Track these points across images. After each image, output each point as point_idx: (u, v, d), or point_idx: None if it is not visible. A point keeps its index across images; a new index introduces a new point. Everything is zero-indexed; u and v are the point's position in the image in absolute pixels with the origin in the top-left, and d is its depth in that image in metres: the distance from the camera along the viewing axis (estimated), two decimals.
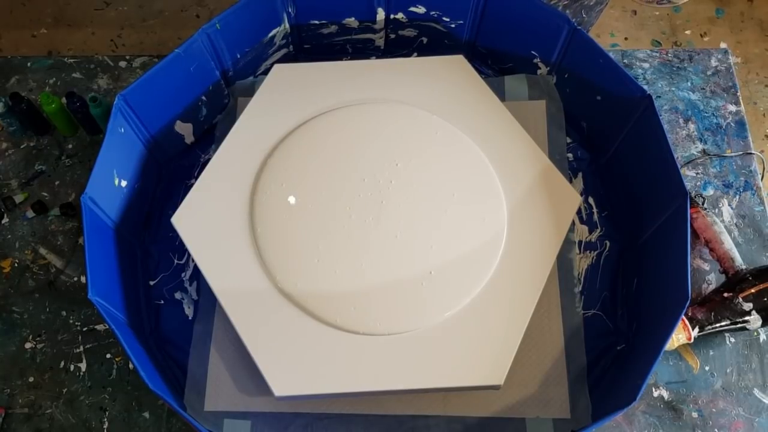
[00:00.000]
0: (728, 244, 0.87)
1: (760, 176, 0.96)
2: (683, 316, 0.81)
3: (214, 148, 0.95)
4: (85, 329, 0.86)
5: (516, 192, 0.85)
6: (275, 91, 0.91)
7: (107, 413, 0.82)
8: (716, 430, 0.81)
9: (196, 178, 0.88)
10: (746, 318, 0.81)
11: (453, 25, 0.97)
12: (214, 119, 0.97)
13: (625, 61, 1.04)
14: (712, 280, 0.89)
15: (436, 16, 0.96)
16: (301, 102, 0.90)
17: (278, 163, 0.86)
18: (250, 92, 0.95)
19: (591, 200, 0.93)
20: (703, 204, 0.92)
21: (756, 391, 0.83)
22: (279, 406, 0.80)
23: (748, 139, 0.98)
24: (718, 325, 0.82)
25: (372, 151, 0.86)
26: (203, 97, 0.92)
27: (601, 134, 0.93)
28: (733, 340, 0.86)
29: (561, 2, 1.09)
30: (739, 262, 0.86)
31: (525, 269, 0.81)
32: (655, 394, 0.83)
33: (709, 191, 0.95)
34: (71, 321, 0.87)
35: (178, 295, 0.87)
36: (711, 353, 0.85)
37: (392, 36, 1.00)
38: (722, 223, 0.91)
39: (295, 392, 0.75)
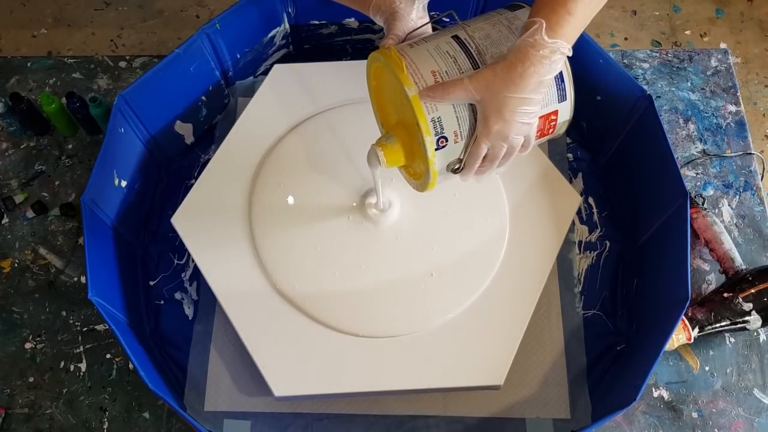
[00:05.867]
0: (728, 244, 0.87)
1: (759, 176, 0.96)
2: (683, 316, 0.81)
3: (214, 148, 0.95)
4: (85, 329, 0.86)
5: (516, 192, 0.85)
6: (275, 91, 0.91)
7: (107, 413, 0.82)
8: (716, 430, 0.81)
9: (196, 178, 0.88)
10: (746, 318, 0.81)
11: None
12: (214, 119, 0.97)
13: (625, 61, 1.04)
14: (712, 280, 0.89)
15: (435, 16, 0.95)
16: (301, 102, 0.90)
17: (277, 164, 0.86)
18: (250, 92, 0.95)
19: (591, 200, 0.93)
20: (703, 204, 0.92)
21: (756, 392, 0.83)
22: (279, 407, 0.80)
23: (748, 139, 0.98)
24: (718, 325, 0.82)
25: None
26: (203, 97, 0.92)
27: (601, 134, 0.93)
28: (733, 340, 0.86)
29: None
30: (739, 262, 0.86)
31: (525, 269, 0.81)
32: (655, 394, 0.83)
33: (709, 191, 0.95)
34: (71, 321, 0.87)
35: (178, 295, 0.87)
36: (711, 353, 0.85)
37: None
38: (722, 223, 0.91)
39: (294, 392, 0.75)
